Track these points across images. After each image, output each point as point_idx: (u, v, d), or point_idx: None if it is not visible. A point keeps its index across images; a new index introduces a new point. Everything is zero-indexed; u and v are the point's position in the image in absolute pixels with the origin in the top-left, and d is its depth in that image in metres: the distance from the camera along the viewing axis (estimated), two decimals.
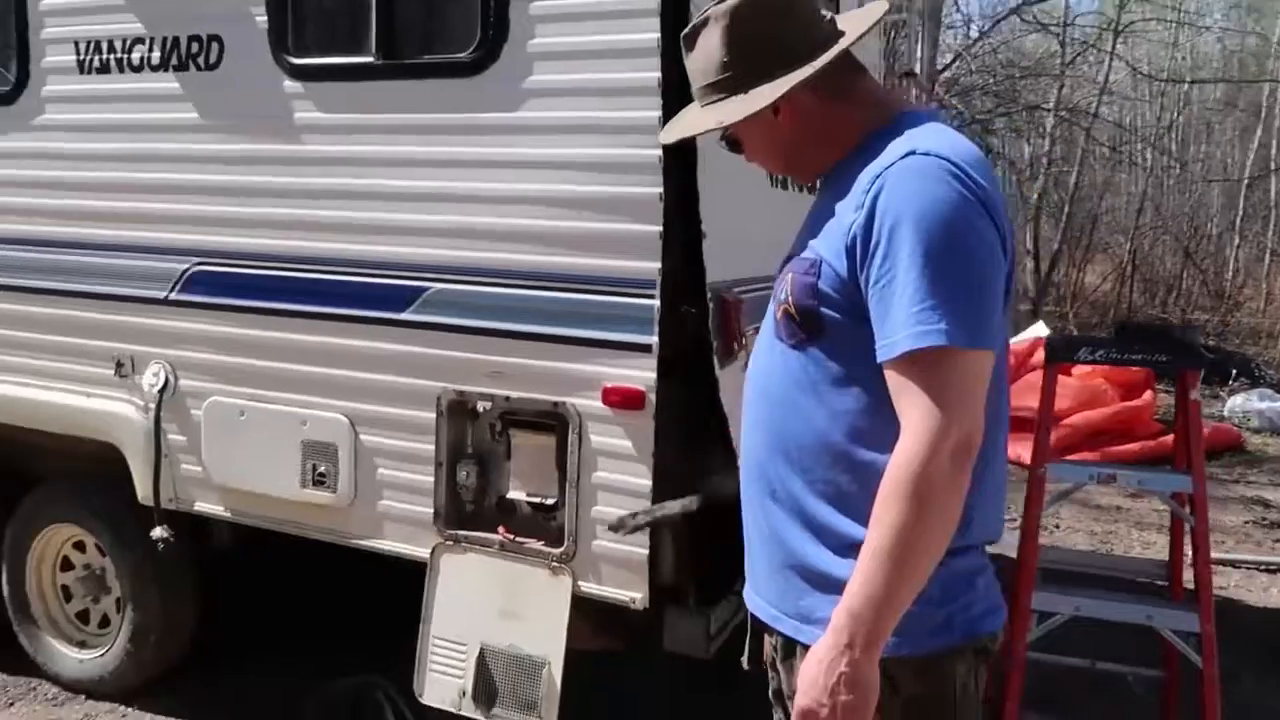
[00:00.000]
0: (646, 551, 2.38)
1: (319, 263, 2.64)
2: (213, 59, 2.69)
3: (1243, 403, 8.16)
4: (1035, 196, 13.78)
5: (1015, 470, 6.28)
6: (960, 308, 1.29)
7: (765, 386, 1.53)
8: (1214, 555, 4.85)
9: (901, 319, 1.30)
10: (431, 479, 2.59)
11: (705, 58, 1.52)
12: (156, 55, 2.75)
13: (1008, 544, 4.07)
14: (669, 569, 2.42)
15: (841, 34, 1.50)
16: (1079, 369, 7.12)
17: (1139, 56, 16.27)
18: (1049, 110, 13.13)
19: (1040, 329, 9.07)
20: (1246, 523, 5.61)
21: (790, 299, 1.45)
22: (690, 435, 2.42)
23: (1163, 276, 13.95)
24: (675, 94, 2.12)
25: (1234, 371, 9.34)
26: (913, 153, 1.36)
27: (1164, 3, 13.66)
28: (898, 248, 1.31)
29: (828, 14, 1.53)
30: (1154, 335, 2.72)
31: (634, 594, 2.41)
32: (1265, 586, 4.64)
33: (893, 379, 1.34)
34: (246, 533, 2.98)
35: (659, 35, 2.23)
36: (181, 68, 2.73)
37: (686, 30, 1.55)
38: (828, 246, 1.42)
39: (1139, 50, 16.45)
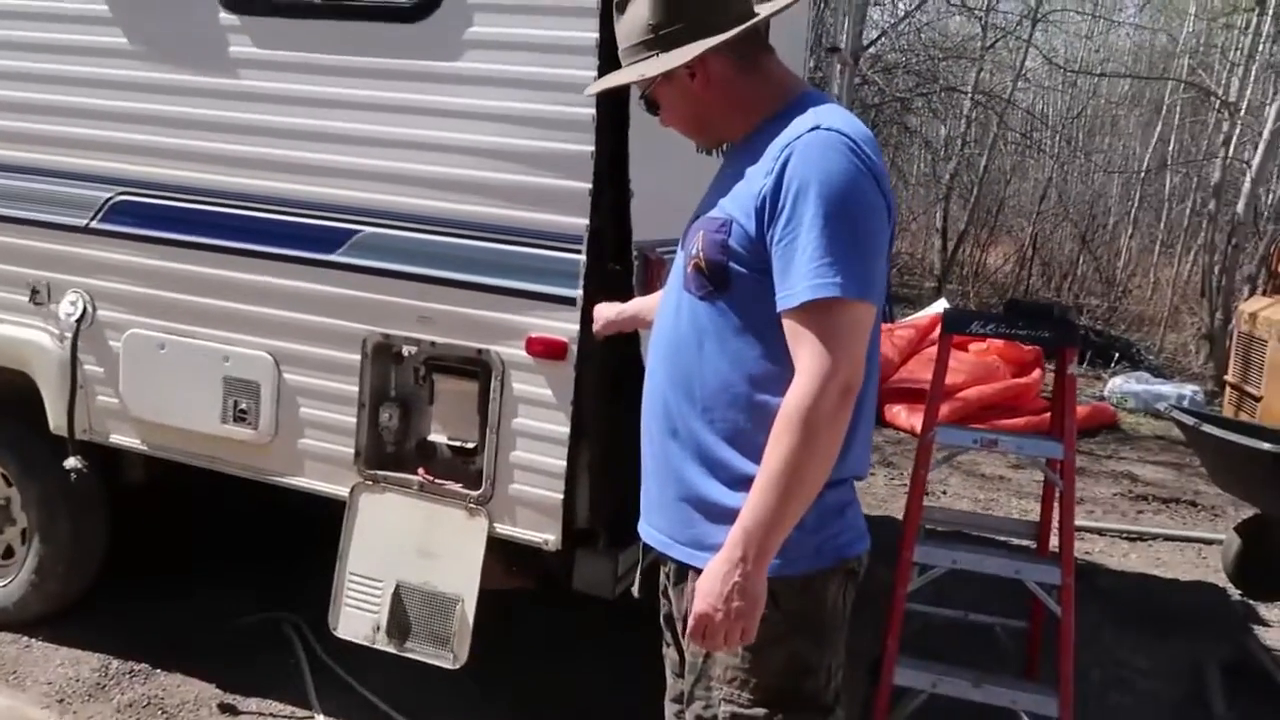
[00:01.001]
0: (561, 496, 2.49)
1: (250, 199, 2.65)
2: None
3: (1122, 384, 8.70)
4: (947, 176, 14.26)
5: (910, 438, 6.61)
6: (853, 265, 1.47)
7: (673, 334, 1.69)
8: (1082, 523, 5.27)
9: (802, 272, 1.48)
10: (354, 419, 2.65)
11: (633, 20, 1.66)
12: None
13: (897, 505, 4.33)
14: (583, 512, 2.54)
15: (757, 13, 1.65)
16: (975, 346, 7.50)
17: (1055, 47, 16.87)
18: (966, 93, 13.55)
19: (942, 304, 9.47)
20: (1115, 494, 6.04)
21: (701, 254, 1.61)
22: (610, 386, 2.53)
23: (1059, 261, 14.61)
24: (612, 54, 2.20)
25: (1116, 355, 9.93)
26: (818, 128, 1.53)
27: None
28: (802, 210, 1.48)
29: None
30: (1039, 313, 2.94)
31: (547, 535, 2.52)
32: (1125, 553, 5.04)
33: (790, 326, 1.51)
34: (160, 466, 2.99)
35: None
36: None
37: None
38: (738, 207, 1.57)
39: (1056, 40, 17.05)
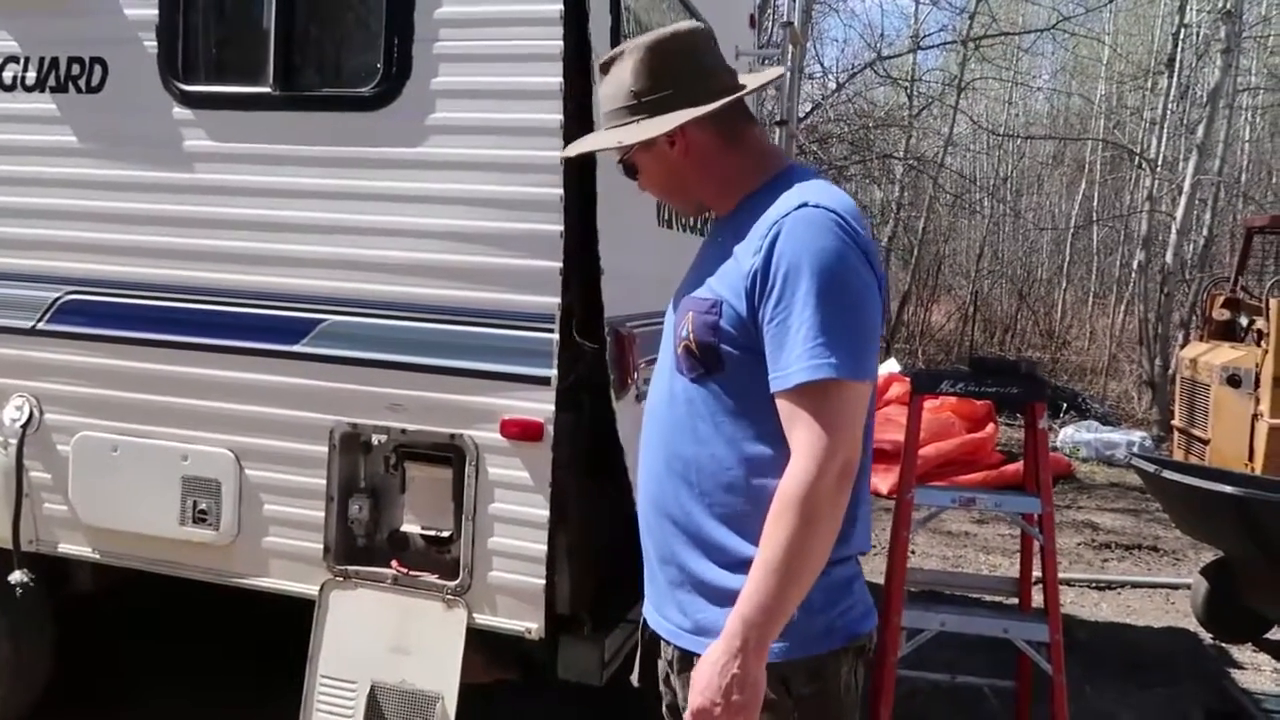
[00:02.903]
0: (543, 582, 2.41)
1: (211, 293, 2.58)
2: (95, 81, 2.61)
3: (1073, 434, 8.85)
4: (886, 240, 14.60)
5: (876, 499, 6.62)
6: (847, 344, 1.44)
7: (667, 417, 1.63)
8: None
9: (796, 353, 1.44)
10: (321, 514, 2.55)
11: (616, 84, 1.62)
12: (32, 75, 2.65)
13: (874, 568, 4.30)
14: (566, 598, 2.46)
15: (742, 86, 1.64)
16: (929, 403, 7.58)
17: (979, 112, 17.57)
18: (899, 159, 13.99)
19: (892, 365, 9.60)
20: (1079, 544, 6.08)
21: (692, 336, 1.56)
22: (588, 466, 2.48)
23: (1000, 317, 14.98)
24: (575, 135, 2.21)
25: (1065, 405, 10.13)
26: (805, 204, 1.50)
27: (1000, 63, 14.83)
28: (793, 289, 1.45)
29: (733, 66, 1.68)
30: (1005, 370, 2.97)
31: (530, 624, 2.43)
32: (1096, 603, 5.05)
33: (785, 407, 1.46)
34: (108, 574, 2.84)
35: (561, 79, 2.32)
36: (60, 89, 2.63)
37: (604, 59, 1.66)
38: (728, 287, 1.54)
39: (979, 106, 17.77)
